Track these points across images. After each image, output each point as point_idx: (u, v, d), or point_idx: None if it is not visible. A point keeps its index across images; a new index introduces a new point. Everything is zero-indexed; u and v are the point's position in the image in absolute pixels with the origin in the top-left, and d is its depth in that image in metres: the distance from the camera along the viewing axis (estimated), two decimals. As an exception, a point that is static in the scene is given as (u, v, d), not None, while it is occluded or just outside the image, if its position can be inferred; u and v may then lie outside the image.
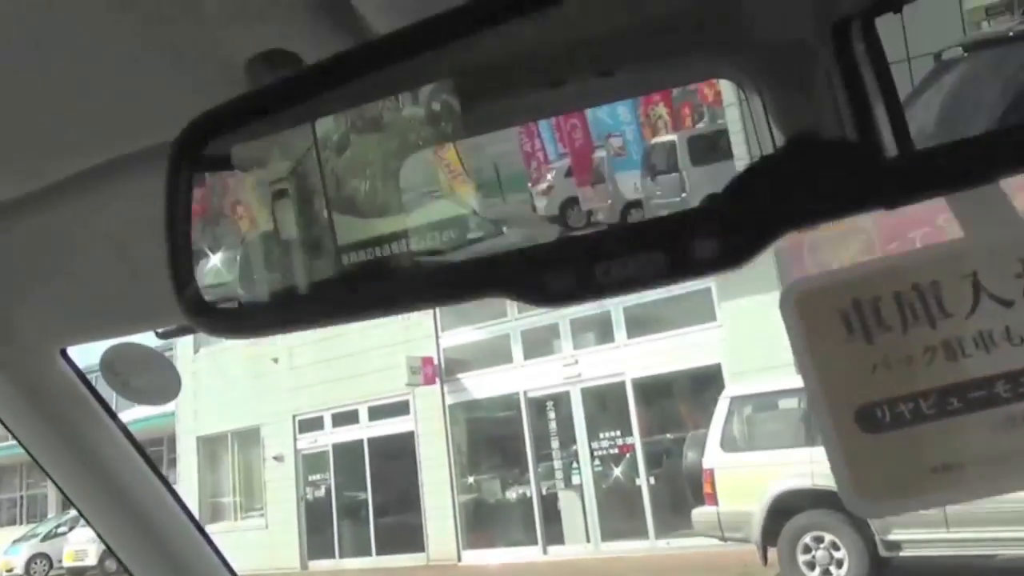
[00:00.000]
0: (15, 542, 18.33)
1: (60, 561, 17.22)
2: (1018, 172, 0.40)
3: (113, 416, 1.65)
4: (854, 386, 0.40)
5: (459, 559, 14.95)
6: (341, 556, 16.74)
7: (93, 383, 1.62)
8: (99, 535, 1.59)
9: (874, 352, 0.40)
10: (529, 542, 14.67)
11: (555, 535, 14.40)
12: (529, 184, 11.25)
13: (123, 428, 1.65)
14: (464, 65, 0.52)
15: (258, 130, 0.56)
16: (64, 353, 1.55)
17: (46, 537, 18.00)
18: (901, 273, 0.41)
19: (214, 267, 0.56)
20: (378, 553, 16.16)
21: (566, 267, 0.45)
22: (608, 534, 13.65)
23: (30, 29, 0.89)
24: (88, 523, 1.60)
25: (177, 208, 0.55)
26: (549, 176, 11.00)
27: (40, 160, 1.12)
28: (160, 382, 1.66)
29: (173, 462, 18.69)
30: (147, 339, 1.61)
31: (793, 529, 8.86)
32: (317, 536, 17.08)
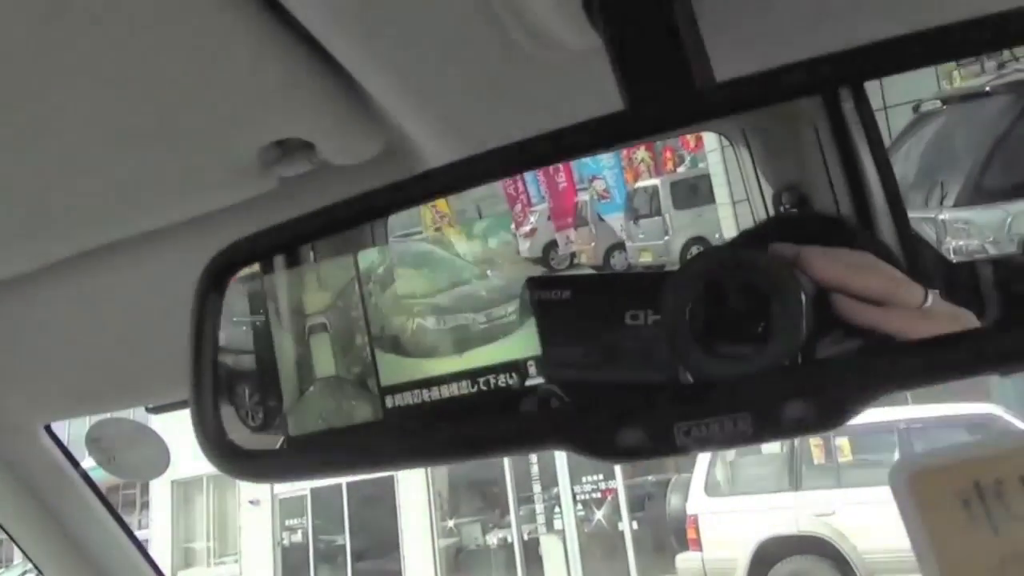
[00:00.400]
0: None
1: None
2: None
3: (95, 489, 1.60)
4: (978, 582, 0.36)
5: (438, 606, 14.62)
6: (327, 598, 16.31)
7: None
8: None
9: (1001, 544, 0.36)
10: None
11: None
12: (513, 226, 11.27)
13: (104, 500, 1.60)
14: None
15: (294, 259, 0.52)
16: (48, 428, 1.51)
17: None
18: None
19: (241, 405, 0.51)
20: (352, 588, 15.77)
21: (639, 423, 0.42)
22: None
23: (38, 108, 0.85)
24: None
25: (203, 340, 0.51)
26: (532, 219, 11.02)
27: (32, 243, 1.08)
28: (148, 456, 1.61)
29: (146, 505, 18.23)
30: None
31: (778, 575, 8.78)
32: (301, 562, 16.67)
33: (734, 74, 0.55)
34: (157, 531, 16.60)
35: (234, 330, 0.55)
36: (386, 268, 0.49)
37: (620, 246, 9.88)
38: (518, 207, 11.06)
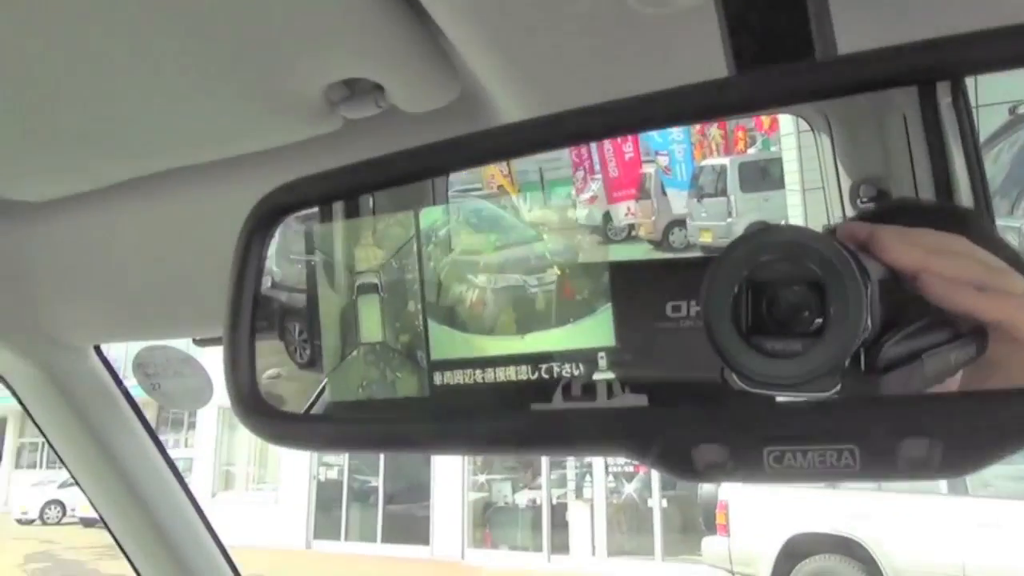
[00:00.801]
0: (33, 486, 18.68)
1: (74, 510, 17.47)
2: None
3: (139, 414, 1.61)
4: None
5: (462, 556, 14.89)
6: (347, 539, 16.79)
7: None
8: (107, 526, 1.56)
9: None
10: (534, 548, 14.59)
11: (561, 544, 14.31)
12: (574, 192, 11.07)
13: (147, 426, 1.62)
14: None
15: (351, 209, 0.47)
16: (98, 350, 1.52)
17: (63, 485, 18.29)
18: None
19: (291, 341, 0.47)
20: (383, 541, 16.18)
21: (723, 439, 0.36)
22: (614, 550, 13.52)
23: (104, 44, 0.83)
24: (98, 514, 1.57)
25: (244, 283, 0.47)
26: (594, 186, 10.82)
27: (93, 164, 1.07)
28: (191, 387, 1.61)
29: (192, 426, 18.91)
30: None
31: (805, 572, 8.67)
32: (325, 517, 17.17)
33: (855, 48, 0.47)
34: (201, 452, 17.22)
35: (290, 267, 0.51)
36: (448, 230, 0.44)
37: (681, 223, 9.70)
38: (581, 173, 10.87)
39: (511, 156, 0.46)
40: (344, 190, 0.47)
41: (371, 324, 0.45)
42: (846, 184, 1.76)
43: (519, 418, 0.42)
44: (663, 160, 11.04)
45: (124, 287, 1.27)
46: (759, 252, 0.42)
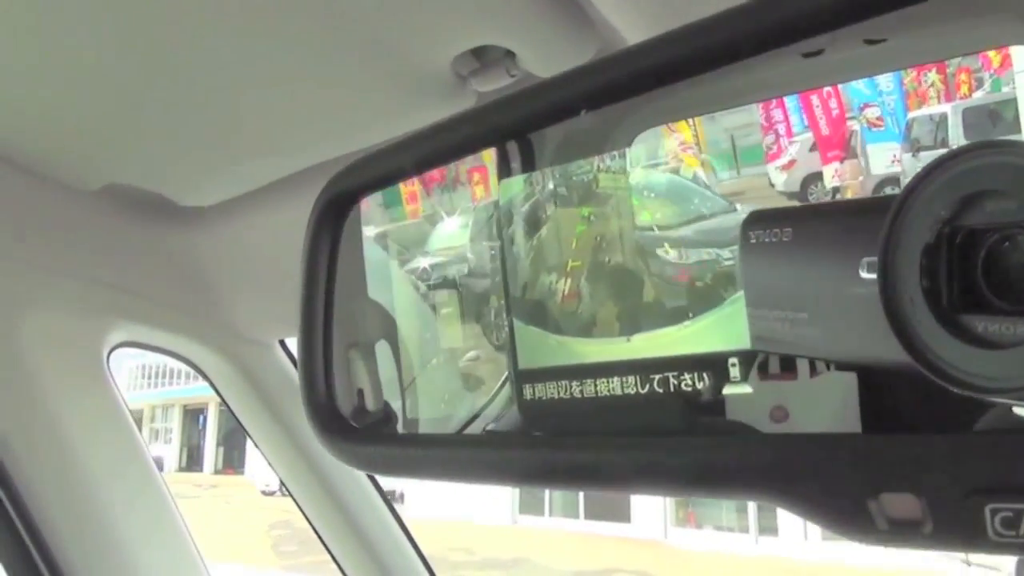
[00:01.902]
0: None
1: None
2: None
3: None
4: None
5: (665, 536, 14.72)
6: (550, 515, 17.20)
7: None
8: (297, 504, 1.63)
9: None
10: (740, 529, 14.11)
11: (769, 526, 13.71)
12: (766, 158, 10.44)
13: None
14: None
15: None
16: (283, 344, 1.59)
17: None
18: None
19: (353, 374, 0.40)
20: (586, 517, 16.39)
21: (917, 487, 0.24)
22: (828, 533, 12.75)
23: (247, 51, 0.84)
24: (291, 495, 1.64)
25: (315, 288, 0.41)
26: (791, 150, 10.13)
27: (248, 166, 1.09)
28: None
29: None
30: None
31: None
32: (530, 493, 17.70)
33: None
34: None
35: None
36: (534, 203, 0.34)
37: (894, 180, 8.85)
38: (770, 138, 10.21)
39: (611, 101, 0.35)
40: (416, 164, 0.39)
41: (450, 327, 0.37)
42: None
43: (631, 446, 0.32)
44: (872, 112, 10.08)
45: (297, 282, 1.31)
46: (963, 183, 0.27)
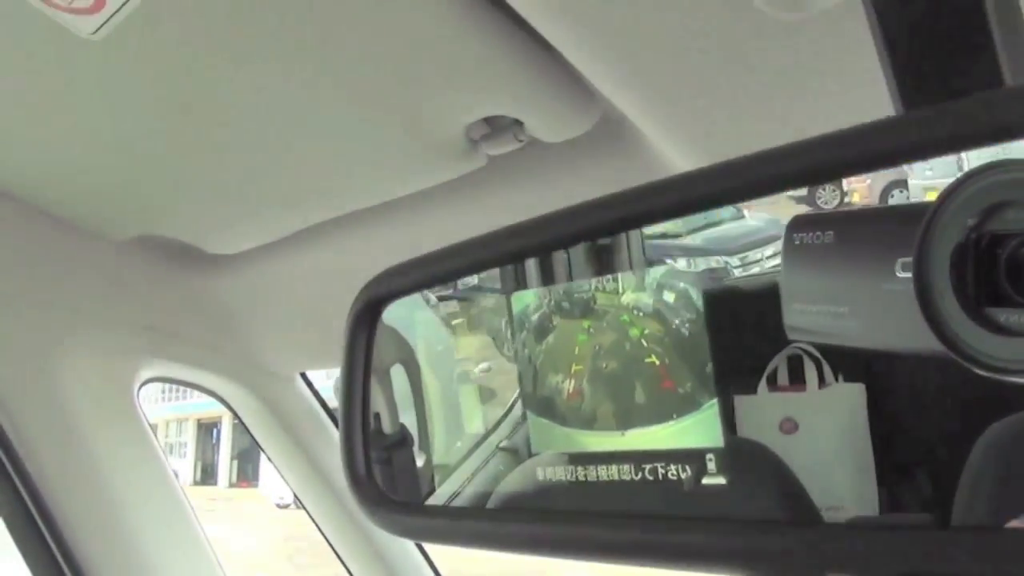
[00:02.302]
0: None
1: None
2: None
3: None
4: None
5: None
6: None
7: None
8: (312, 518, 1.69)
9: None
10: None
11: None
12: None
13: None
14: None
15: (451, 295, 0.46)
16: (304, 376, 1.66)
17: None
18: None
19: (390, 454, 0.47)
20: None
21: (859, 573, 0.30)
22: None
23: (272, 108, 0.90)
24: (313, 520, 1.70)
25: (354, 376, 0.47)
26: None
27: (272, 218, 1.16)
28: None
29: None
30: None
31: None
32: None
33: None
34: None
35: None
36: (542, 314, 0.41)
37: (902, 183, 8.84)
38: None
39: (612, 233, 0.42)
40: (446, 273, 0.46)
41: (473, 415, 0.44)
42: None
43: (626, 523, 0.38)
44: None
45: (316, 321, 1.38)
46: (990, 194, 0.32)
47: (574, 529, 0.39)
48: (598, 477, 0.40)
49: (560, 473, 0.41)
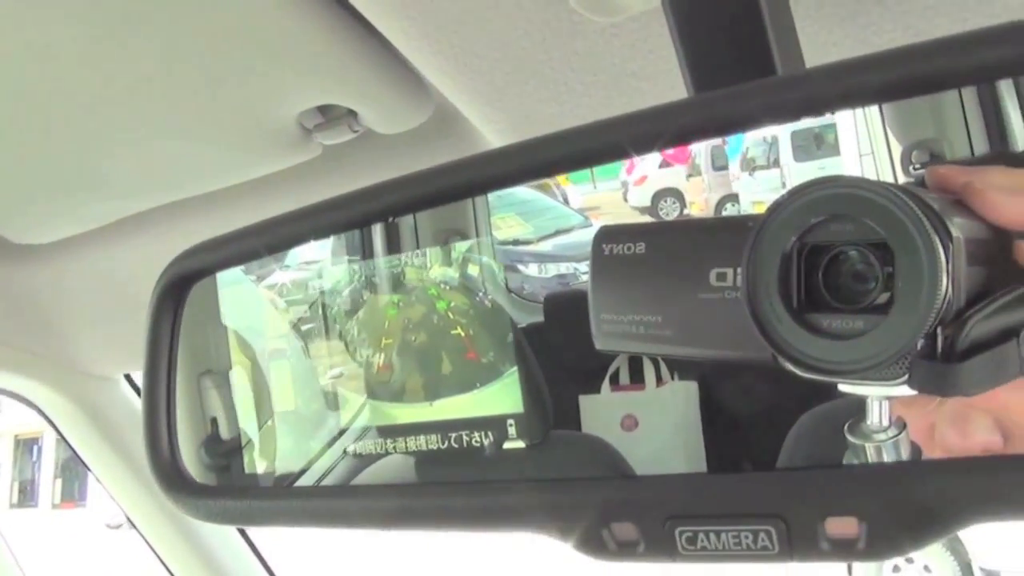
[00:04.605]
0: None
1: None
2: None
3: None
4: None
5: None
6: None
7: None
8: (145, 539, 1.60)
9: None
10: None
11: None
12: (623, 173, 10.94)
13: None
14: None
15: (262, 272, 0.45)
16: (129, 378, 1.56)
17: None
18: None
19: (198, 435, 0.45)
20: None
21: (634, 517, 0.32)
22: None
23: (88, 91, 0.84)
24: (145, 540, 1.61)
25: (158, 358, 0.45)
26: (643, 166, 10.67)
27: (88, 206, 1.08)
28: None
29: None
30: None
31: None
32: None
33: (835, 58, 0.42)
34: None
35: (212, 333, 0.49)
36: (353, 289, 0.41)
37: (734, 198, 9.49)
38: (628, 154, 10.70)
39: (433, 205, 0.43)
40: (256, 250, 0.45)
41: (283, 392, 0.43)
42: (897, 152, 1.66)
43: (428, 489, 0.39)
44: (712, 135, 10.78)
45: (139, 317, 1.30)
46: (811, 209, 0.34)
47: (379, 502, 0.39)
48: (407, 448, 0.40)
49: (370, 447, 0.41)
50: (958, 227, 0.33)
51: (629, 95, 0.70)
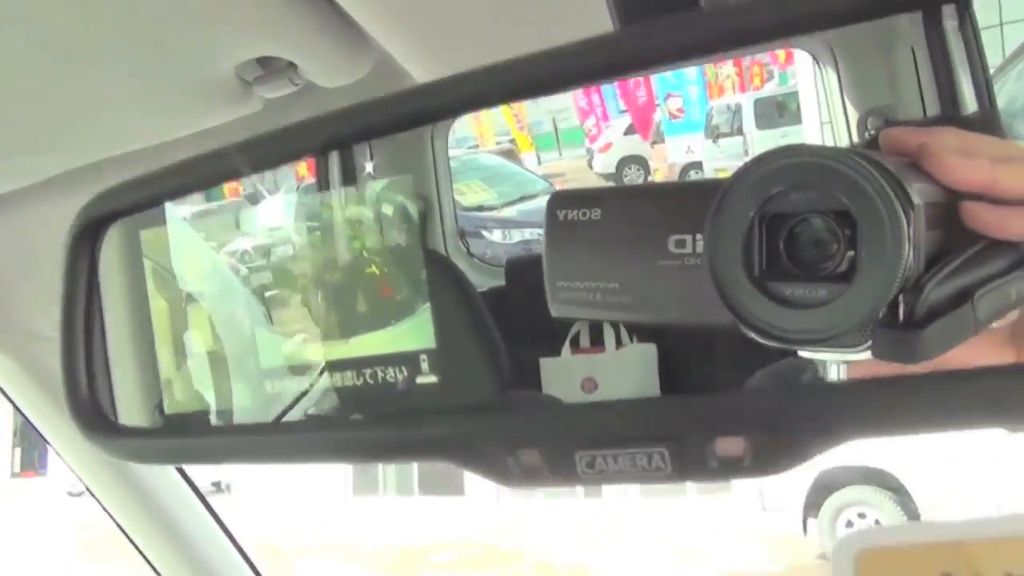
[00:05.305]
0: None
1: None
2: None
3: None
4: None
5: (497, 501, 15.13)
6: (384, 493, 17.15)
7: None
8: (101, 504, 1.57)
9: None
10: (569, 494, 14.79)
11: (596, 489, 14.47)
12: (587, 140, 10.95)
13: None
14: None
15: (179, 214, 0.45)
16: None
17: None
18: (993, 550, 0.28)
19: (111, 376, 0.45)
20: (420, 493, 16.49)
21: (539, 443, 0.34)
22: (647, 488, 13.70)
23: (19, 43, 0.82)
24: (101, 504, 1.58)
25: (75, 300, 0.45)
26: (607, 133, 10.69)
27: (25, 160, 1.06)
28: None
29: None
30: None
31: (836, 503, 8.70)
32: (363, 472, 17.49)
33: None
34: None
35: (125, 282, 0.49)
36: (274, 230, 0.41)
37: (697, 166, 9.54)
38: (591, 121, 10.73)
39: (371, 137, 0.43)
40: (172, 191, 0.45)
41: (202, 333, 0.44)
42: (854, 118, 1.68)
43: (344, 423, 0.40)
44: (674, 103, 10.84)
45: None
46: (774, 178, 0.34)
47: (297, 437, 0.40)
48: (326, 385, 0.41)
49: (291, 385, 0.42)
50: (917, 192, 0.34)
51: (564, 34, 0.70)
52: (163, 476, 1.54)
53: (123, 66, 0.87)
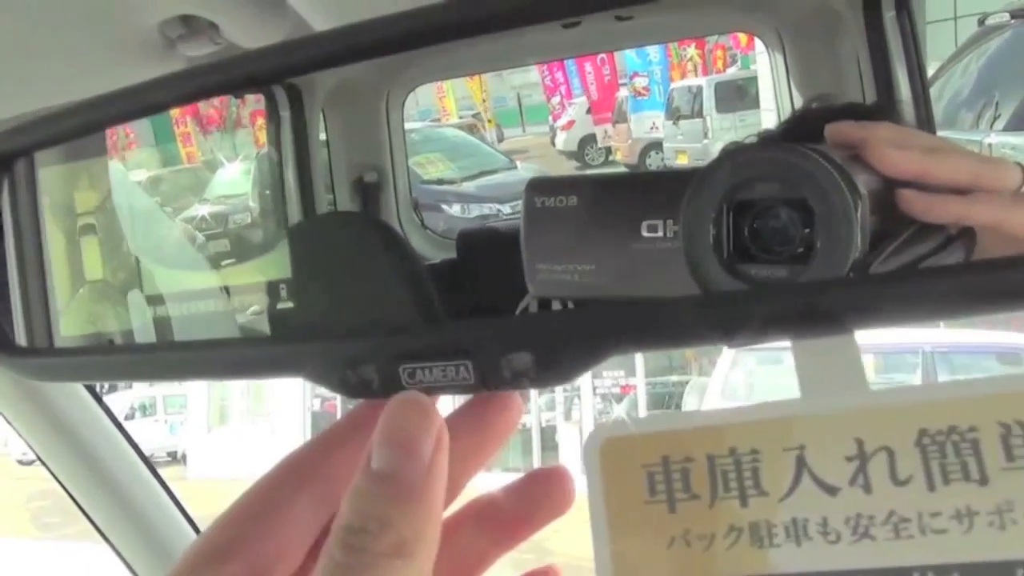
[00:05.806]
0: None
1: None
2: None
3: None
4: (645, 560, 0.33)
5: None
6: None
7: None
8: (59, 482, 1.55)
9: (674, 523, 0.33)
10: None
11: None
12: (551, 118, 10.95)
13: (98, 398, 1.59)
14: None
15: (71, 153, 0.49)
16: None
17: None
18: (720, 433, 0.33)
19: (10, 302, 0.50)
20: (376, 466, 16.51)
21: (370, 360, 0.39)
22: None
23: None
24: (50, 471, 1.56)
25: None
26: (570, 111, 10.71)
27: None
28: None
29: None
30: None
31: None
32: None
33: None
34: (195, 388, 17.42)
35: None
36: (155, 174, 0.46)
37: (657, 146, 9.61)
38: (557, 98, 10.74)
39: (273, 81, 0.48)
40: (75, 130, 0.49)
41: (93, 263, 0.48)
42: (799, 102, 1.74)
43: (213, 348, 0.45)
44: (640, 82, 10.89)
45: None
46: (739, 171, 0.39)
47: (170, 355, 0.45)
48: (197, 311, 0.46)
49: (173, 309, 0.47)
50: (863, 183, 0.38)
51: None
52: (107, 440, 1.54)
53: (44, 18, 0.89)
